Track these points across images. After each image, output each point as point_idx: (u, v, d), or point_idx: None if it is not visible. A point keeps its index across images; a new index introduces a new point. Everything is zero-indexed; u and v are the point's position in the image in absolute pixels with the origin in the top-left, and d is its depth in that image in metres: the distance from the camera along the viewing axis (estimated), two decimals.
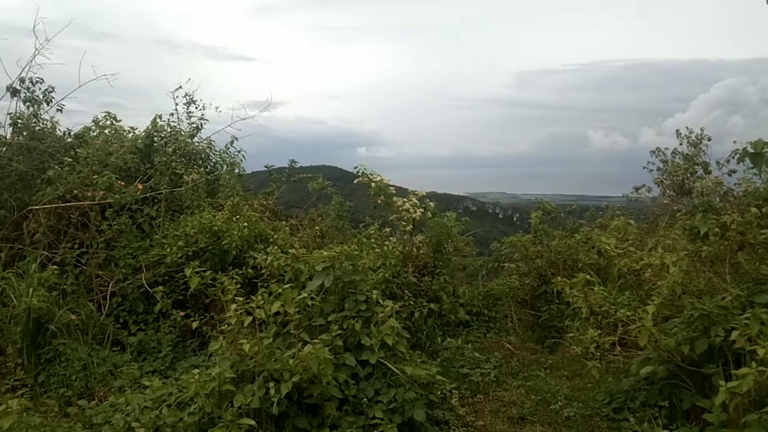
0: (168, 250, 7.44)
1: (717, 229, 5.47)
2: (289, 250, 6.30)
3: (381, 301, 5.72)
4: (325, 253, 5.87)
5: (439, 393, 5.69)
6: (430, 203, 8.84)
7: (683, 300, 5.34)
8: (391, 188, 8.75)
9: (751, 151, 5.79)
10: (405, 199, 8.64)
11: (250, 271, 6.85)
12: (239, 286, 5.66)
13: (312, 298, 5.52)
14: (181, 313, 7.00)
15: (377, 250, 7.88)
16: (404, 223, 8.56)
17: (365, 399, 5.11)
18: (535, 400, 6.26)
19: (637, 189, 11.79)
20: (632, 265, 6.32)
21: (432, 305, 7.84)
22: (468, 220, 9.80)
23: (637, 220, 10.42)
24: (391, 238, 8.73)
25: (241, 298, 5.16)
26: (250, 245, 7.45)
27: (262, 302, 5.11)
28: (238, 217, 7.81)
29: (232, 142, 10.07)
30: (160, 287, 6.92)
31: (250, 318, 5.02)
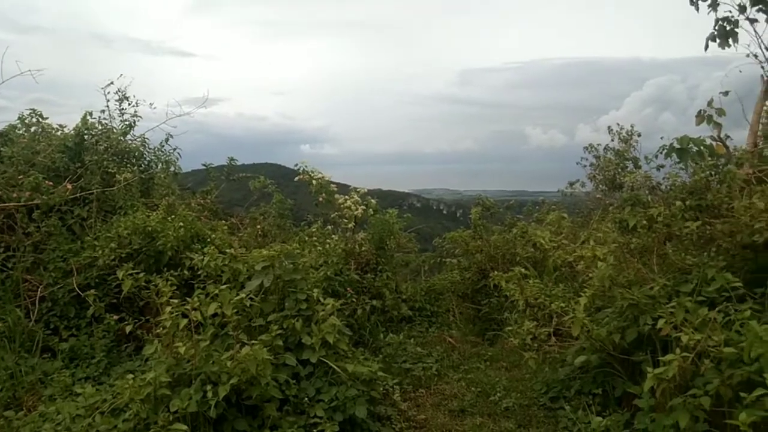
0: (100, 252, 7.17)
1: (645, 222, 5.69)
2: (227, 250, 6.18)
3: (322, 300, 5.70)
4: (265, 253, 5.80)
5: (381, 389, 5.71)
6: (372, 200, 8.86)
7: (614, 291, 5.53)
8: (333, 186, 8.72)
9: (677, 146, 6.07)
10: (347, 197, 8.62)
11: (187, 272, 6.68)
12: (175, 287, 5.51)
13: (251, 299, 5.45)
14: (115, 317, 6.76)
15: (319, 248, 7.84)
16: (346, 221, 8.55)
17: (306, 398, 5.08)
18: (476, 392, 6.39)
19: (571, 184, 12.18)
20: (566, 258, 6.52)
21: (375, 302, 7.87)
22: (410, 217, 9.88)
23: (571, 214, 10.76)
24: (333, 236, 8.70)
25: (176, 300, 5.03)
26: (187, 246, 7.27)
27: (198, 304, 5.01)
28: (173, 216, 7.60)
29: (167, 140, 9.79)
30: (92, 291, 6.65)
31: (185, 320, 4.91)
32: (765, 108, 8.59)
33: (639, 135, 11.70)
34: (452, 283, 9.89)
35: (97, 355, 6.60)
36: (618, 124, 12.00)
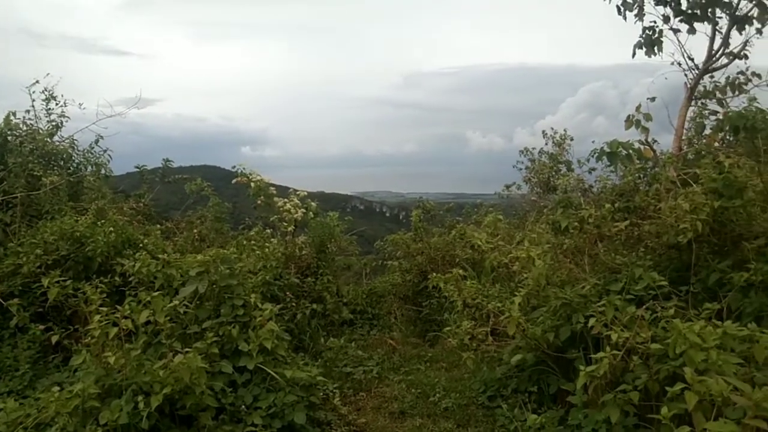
0: (24, 258, 6.81)
1: (576, 223, 5.87)
2: (160, 256, 5.99)
3: (260, 305, 5.61)
4: (199, 258, 5.66)
5: (320, 394, 5.66)
6: (312, 203, 8.77)
7: (547, 290, 5.67)
8: (272, 188, 8.57)
9: (608, 150, 6.29)
10: (286, 200, 8.50)
11: (118, 279, 6.43)
12: (105, 295, 5.31)
13: (185, 305, 5.30)
14: (41, 327, 6.42)
15: (258, 252, 7.70)
16: (286, 224, 8.43)
17: (243, 406, 4.99)
18: (416, 394, 6.42)
19: (507, 187, 12.45)
20: (502, 259, 6.64)
21: (315, 306, 7.79)
22: (351, 220, 9.85)
23: (508, 216, 10.99)
24: (272, 239, 8.56)
25: (106, 309, 4.84)
26: (118, 252, 6.99)
27: (129, 312, 4.84)
28: (103, 221, 7.30)
29: (97, 141, 9.39)
30: (16, 299, 6.35)
31: (116, 329, 4.73)
32: (689, 114, 9.04)
33: (572, 139, 12.12)
34: (393, 285, 9.92)
35: (22, 367, 6.26)
36: (552, 129, 12.39)
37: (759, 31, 8.54)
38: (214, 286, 5.57)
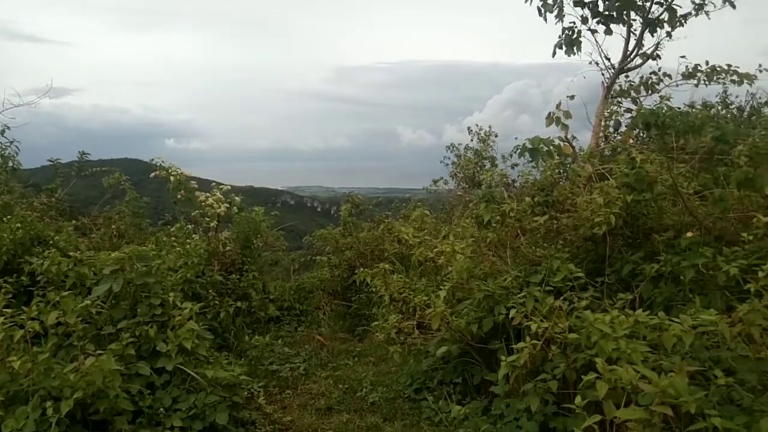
0: None
1: (498, 217, 5.98)
2: (71, 253, 5.67)
3: (179, 304, 5.42)
4: (114, 255, 5.40)
5: (244, 393, 5.54)
6: (236, 198, 8.55)
7: (471, 283, 5.76)
8: (193, 182, 8.28)
9: (530, 146, 6.45)
10: (208, 194, 8.24)
11: (25, 278, 6.05)
12: (11, 296, 4.99)
13: (99, 305, 5.05)
14: None
15: (178, 249, 7.43)
16: (208, 219, 8.18)
17: (162, 408, 4.80)
18: (343, 389, 6.39)
19: (435, 182, 12.61)
20: (428, 253, 6.70)
21: (240, 303, 7.62)
22: (277, 214, 9.69)
23: (435, 210, 11.12)
24: (194, 235, 8.29)
25: (9, 310, 4.54)
26: (26, 249, 6.57)
27: (36, 313, 4.56)
28: (9, 217, 6.84)
29: (2, 132, 8.79)
30: None
31: (21, 331, 4.45)
32: (606, 111, 9.43)
33: (496, 135, 12.39)
34: (322, 280, 9.85)
35: None
36: (477, 125, 12.63)
37: (669, 34, 9.01)
38: (130, 284, 5.33)
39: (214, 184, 8.60)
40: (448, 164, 12.66)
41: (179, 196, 8.12)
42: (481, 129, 12.45)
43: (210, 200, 8.08)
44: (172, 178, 8.06)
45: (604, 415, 3.20)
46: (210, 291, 7.26)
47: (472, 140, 12.48)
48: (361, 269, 6.42)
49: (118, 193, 10.03)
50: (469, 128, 12.54)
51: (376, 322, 6.30)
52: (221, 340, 7.17)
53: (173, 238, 8.00)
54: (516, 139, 8.61)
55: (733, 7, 8.64)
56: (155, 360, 5.03)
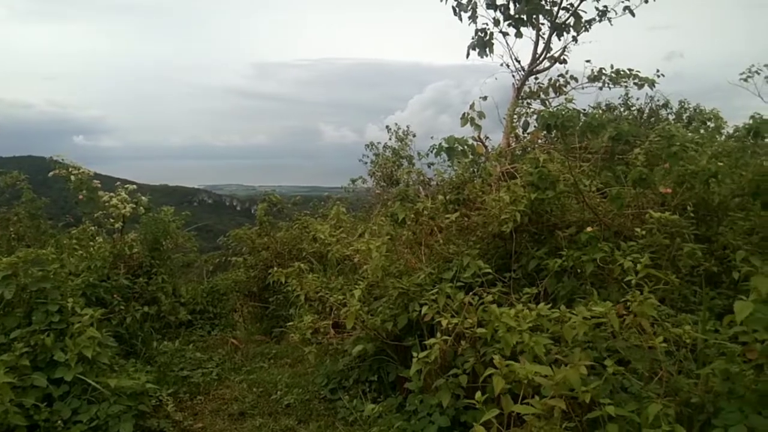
0: None
1: (413, 215, 6.04)
2: None
3: (79, 310, 5.13)
4: (6, 260, 5.04)
5: (152, 401, 5.32)
6: (143, 197, 8.18)
7: (386, 281, 5.79)
8: (96, 181, 7.85)
9: (445, 146, 6.55)
10: (112, 194, 7.83)
11: None
12: None
13: None
14: None
15: (81, 252, 7.03)
16: (113, 220, 7.78)
17: (60, 421, 4.57)
18: (257, 393, 6.26)
19: (353, 180, 12.62)
20: (344, 251, 6.68)
21: (148, 308, 7.31)
22: (189, 214, 9.35)
23: (355, 209, 11.12)
24: (98, 237, 7.86)
25: None
26: None
27: None
28: None
29: None
30: None
31: None
32: (516, 113, 9.74)
33: (414, 135, 12.56)
34: (237, 282, 9.62)
35: None
36: (396, 124, 12.75)
37: (575, 39, 9.42)
38: (24, 290, 5.00)
39: (118, 183, 8.19)
40: (366, 162, 12.72)
41: (81, 197, 7.67)
42: (399, 128, 12.59)
43: (114, 200, 7.69)
44: (72, 177, 7.61)
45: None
46: (115, 296, 6.92)
47: (390, 139, 12.60)
48: (275, 269, 6.30)
49: (17, 194, 9.36)
50: (387, 127, 12.65)
51: (290, 323, 6.21)
52: (128, 347, 6.86)
53: (75, 241, 7.56)
54: (432, 138, 8.77)
55: (632, 15, 9.14)
56: (53, 370, 4.77)
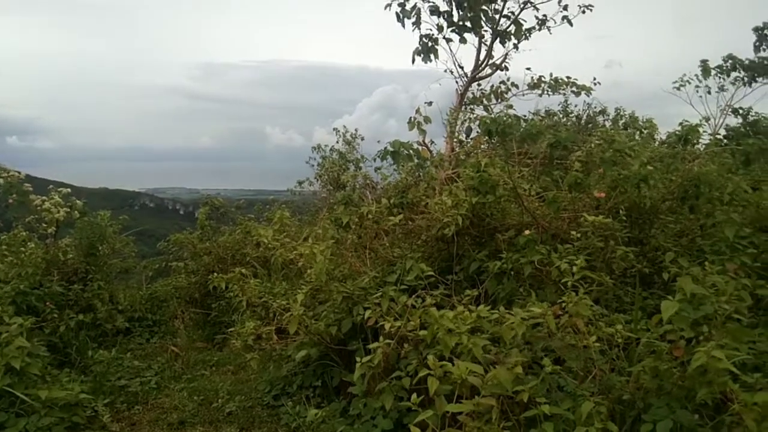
0: None
1: (357, 219, 6.05)
2: None
3: (7, 319, 4.90)
4: None
5: (86, 413, 5.13)
6: (78, 201, 7.88)
7: (330, 285, 5.76)
8: (27, 185, 7.51)
9: (391, 150, 6.59)
10: (44, 198, 7.51)
11: None
12: None
13: None
14: None
15: (10, 258, 6.72)
16: (45, 225, 7.46)
17: None
18: (198, 401, 6.11)
19: (300, 183, 12.54)
20: (287, 256, 6.62)
21: (83, 316, 7.04)
22: (127, 218, 9.07)
23: (301, 212, 11.03)
24: (30, 243, 7.52)
25: None
26: None
27: None
28: None
29: None
30: None
31: None
32: (459, 118, 9.89)
33: (362, 138, 12.58)
34: (177, 288, 9.38)
35: None
36: (344, 127, 12.74)
37: (516, 46, 9.66)
38: None
39: (51, 186, 7.86)
40: (313, 165, 12.66)
41: (11, 201, 7.32)
42: (347, 131, 12.58)
43: (47, 204, 7.37)
44: (1, 181, 7.26)
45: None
46: (48, 303, 6.63)
47: (337, 142, 12.58)
48: (214, 275, 6.18)
49: None
50: (335, 129, 12.63)
51: (231, 329, 6.11)
52: (62, 357, 6.61)
53: (5, 247, 7.22)
54: (379, 142, 8.81)
55: (570, 24, 9.45)
56: None
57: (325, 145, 12.93)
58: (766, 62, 10.73)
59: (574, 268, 4.00)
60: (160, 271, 10.64)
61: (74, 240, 7.70)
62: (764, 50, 10.80)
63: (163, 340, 8.22)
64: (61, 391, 4.85)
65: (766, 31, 10.68)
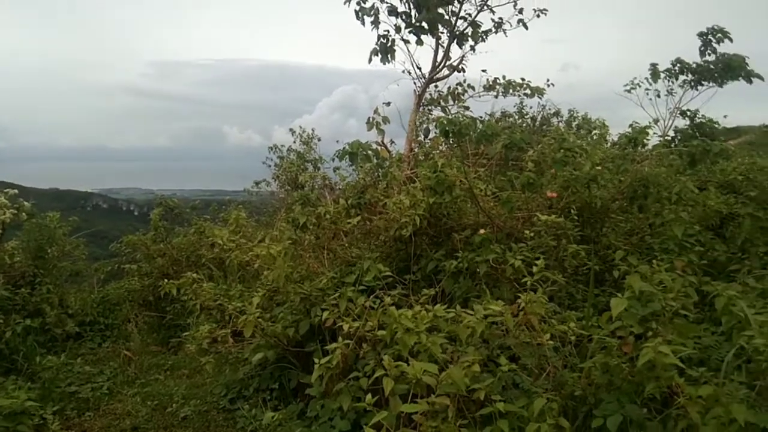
0: None
1: (314, 220, 6.02)
2: None
3: None
4: None
5: (33, 421, 4.95)
6: (25, 203, 7.61)
7: (288, 286, 5.72)
8: None
9: (350, 150, 6.58)
10: None
11: None
12: None
13: None
14: None
15: None
16: None
17: None
18: (152, 406, 5.98)
19: (257, 183, 12.40)
20: (243, 257, 6.54)
21: (31, 321, 6.80)
22: (76, 219, 8.81)
23: (258, 213, 10.90)
24: None
25: None
26: None
27: None
28: None
29: None
30: None
31: None
32: (417, 119, 9.95)
33: (319, 139, 12.52)
34: (130, 291, 9.15)
35: None
36: (300, 127, 12.66)
37: (473, 48, 9.76)
38: None
39: None
40: (270, 165, 12.54)
41: None
42: (304, 131, 12.51)
43: None
44: None
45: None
46: None
47: (295, 142, 12.49)
48: (166, 281, 6.05)
49: None
50: (291, 130, 12.53)
51: (186, 333, 5.99)
52: (8, 364, 6.38)
53: None
54: (338, 142, 8.79)
55: (526, 27, 9.60)
56: None
57: (282, 145, 12.85)
58: (711, 66, 11.11)
59: (534, 269, 4.06)
60: (113, 273, 10.36)
61: (21, 242, 7.43)
62: (709, 55, 11.16)
63: (116, 345, 8.01)
64: (6, 398, 4.68)
65: (710, 36, 11.05)
